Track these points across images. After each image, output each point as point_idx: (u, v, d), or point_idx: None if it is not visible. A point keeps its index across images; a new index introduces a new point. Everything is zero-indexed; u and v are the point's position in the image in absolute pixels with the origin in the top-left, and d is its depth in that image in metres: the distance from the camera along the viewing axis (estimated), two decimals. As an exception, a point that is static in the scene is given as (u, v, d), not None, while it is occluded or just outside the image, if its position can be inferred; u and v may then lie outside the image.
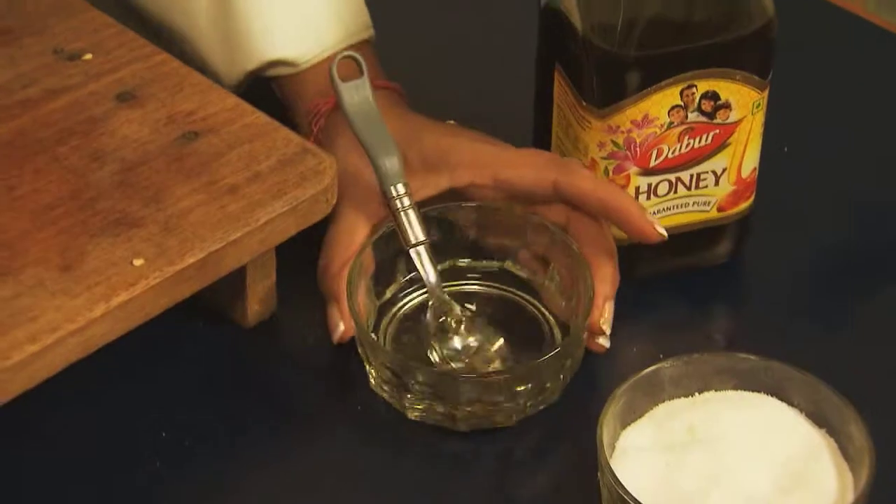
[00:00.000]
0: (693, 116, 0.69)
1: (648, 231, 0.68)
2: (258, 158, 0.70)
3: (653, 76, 0.68)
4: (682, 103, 0.69)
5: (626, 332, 0.71)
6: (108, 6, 0.77)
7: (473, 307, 0.70)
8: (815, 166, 0.80)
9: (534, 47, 0.74)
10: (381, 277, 0.71)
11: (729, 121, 0.70)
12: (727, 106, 0.69)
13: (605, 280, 0.69)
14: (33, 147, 0.69)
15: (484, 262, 0.72)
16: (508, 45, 0.85)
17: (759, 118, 0.71)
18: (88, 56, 0.74)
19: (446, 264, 0.72)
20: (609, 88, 0.68)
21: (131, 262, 0.65)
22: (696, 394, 0.65)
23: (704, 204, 0.72)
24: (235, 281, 0.69)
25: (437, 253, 0.70)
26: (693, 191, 0.72)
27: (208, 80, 0.74)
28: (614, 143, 0.69)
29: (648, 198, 0.71)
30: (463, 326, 0.69)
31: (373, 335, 0.68)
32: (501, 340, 0.69)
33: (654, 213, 0.72)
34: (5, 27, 0.74)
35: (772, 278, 0.75)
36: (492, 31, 0.89)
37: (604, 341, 0.69)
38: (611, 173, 0.70)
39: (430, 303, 0.69)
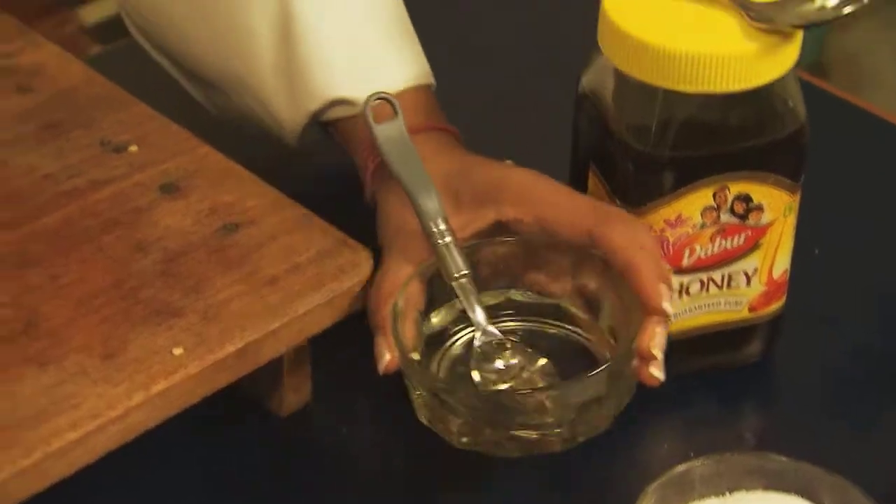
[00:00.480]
0: (726, 217, 0.70)
1: (654, 303, 0.67)
2: (297, 250, 0.71)
3: (686, 177, 0.69)
4: (715, 204, 0.70)
5: (658, 429, 0.72)
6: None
7: (516, 338, 0.71)
8: (845, 266, 0.81)
9: (569, 133, 0.75)
10: (431, 313, 0.71)
11: (761, 223, 0.71)
12: (759, 208, 0.71)
13: (655, 308, 0.67)
14: (79, 237, 0.71)
15: (537, 296, 0.72)
16: (545, 129, 0.86)
17: (791, 220, 0.72)
18: (134, 148, 0.75)
19: (500, 298, 0.72)
20: (643, 188, 0.70)
21: (171, 352, 0.66)
22: (727, 493, 0.65)
23: (736, 304, 0.73)
24: (272, 370, 0.70)
25: (484, 286, 0.70)
26: (725, 290, 0.73)
27: (249, 173, 0.75)
28: (647, 242, 0.71)
29: (680, 297, 0.72)
30: (507, 352, 0.69)
31: (415, 357, 0.68)
32: (544, 361, 0.69)
33: (686, 311, 0.72)
34: (55, 120, 0.76)
35: (802, 378, 0.75)
36: (529, 111, 0.90)
37: (656, 372, 0.67)
38: (644, 271, 0.71)
39: (475, 334, 0.69)
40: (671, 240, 0.70)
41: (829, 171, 0.84)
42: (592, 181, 0.73)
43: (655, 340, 0.67)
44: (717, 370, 0.75)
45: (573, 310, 0.72)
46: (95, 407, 0.63)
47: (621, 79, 0.70)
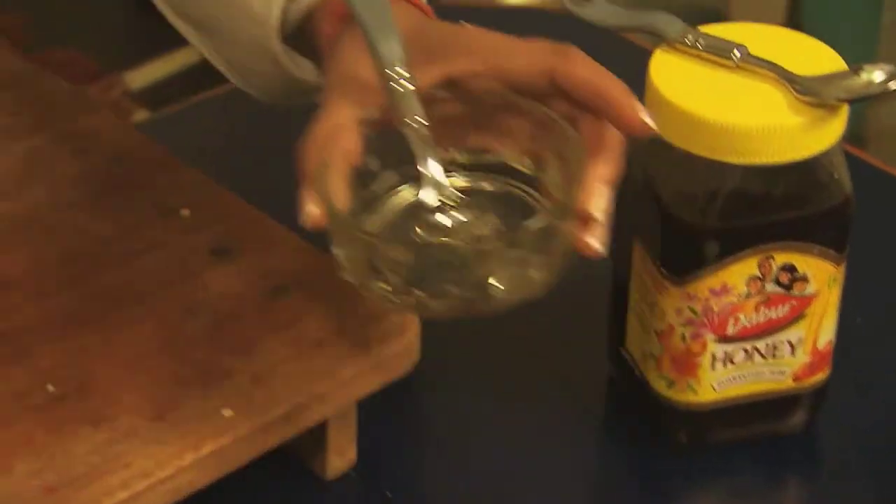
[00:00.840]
0: (770, 287, 0.71)
1: (634, 120, 0.63)
2: (345, 314, 0.72)
3: (732, 247, 0.70)
4: (760, 274, 0.71)
5: (701, 500, 0.72)
6: None
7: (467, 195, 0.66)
8: (888, 336, 0.81)
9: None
10: (369, 173, 0.66)
11: (806, 293, 0.72)
12: (804, 279, 0.71)
13: (601, 162, 0.63)
14: (131, 298, 0.72)
15: (481, 155, 0.68)
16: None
17: (836, 291, 0.73)
18: (186, 212, 0.77)
19: (443, 157, 0.67)
20: (688, 258, 0.70)
21: (220, 413, 0.67)
22: (771, 562, 0.65)
23: (780, 373, 0.73)
24: (317, 433, 0.71)
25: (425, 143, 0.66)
26: (769, 360, 0.73)
27: (298, 238, 0.76)
28: (692, 310, 0.71)
29: (725, 365, 0.72)
30: (454, 207, 0.65)
31: (339, 209, 0.63)
32: (496, 221, 0.65)
33: (729, 380, 0.73)
34: (109, 183, 0.77)
35: (846, 449, 0.75)
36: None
37: (594, 241, 0.62)
38: (688, 339, 0.72)
39: (422, 183, 0.65)
40: (716, 309, 0.71)
41: (870, 240, 0.84)
42: (636, 250, 0.73)
43: (596, 200, 0.62)
44: (760, 440, 0.75)
45: (520, 168, 0.67)
46: (146, 467, 0.64)
47: (667, 148, 0.70)
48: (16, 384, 0.67)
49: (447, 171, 0.66)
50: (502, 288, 0.62)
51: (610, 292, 0.77)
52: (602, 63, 0.65)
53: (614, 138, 0.65)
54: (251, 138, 0.82)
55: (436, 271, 0.62)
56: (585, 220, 0.63)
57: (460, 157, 0.67)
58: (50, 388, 0.67)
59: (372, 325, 0.71)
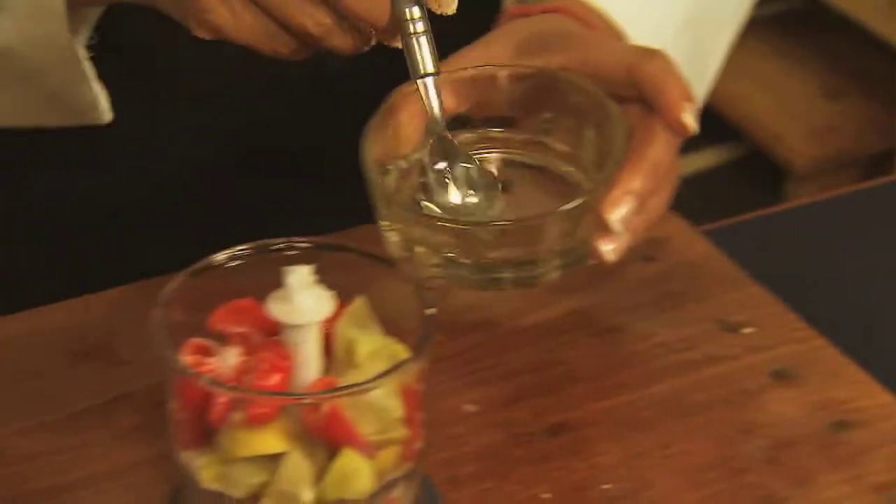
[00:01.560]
0: None
1: (676, 116, 0.66)
2: (909, 460, 0.68)
3: None
4: None
5: None
6: None
7: (478, 164, 0.65)
8: None
9: None
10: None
11: None
12: None
13: (636, 174, 0.65)
14: (687, 408, 0.70)
15: (520, 133, 0.68)
16: None
17: None
18: (748, 330, 0.74)
19: (479, 131, 0.68)
20: None
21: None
22: None
23: None
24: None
25: (468, 121, 0.67)
26: None
27: (864, 373, 0.73)
28: None
29: None
30: (464, 179, 0.64)
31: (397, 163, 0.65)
32: (504, 203, 0.64)
33: None
34: (674, 290, 0.76)
35: None
36: None
37: (606, 247, 0.65)
38: None
39: (430, 143, 0.64)
40: None
41: None
42: None
43: (617, 211, 0.64)
44: None
45: (557, 145, 0.68)
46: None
47: None
48: (575, 476, 0.66)
49: (485, 149, 0.67)
50: (490, 270, 0.63)
51: None
52: None
53: (668, 156, 0.66)
54: (824, 258, 0.79)
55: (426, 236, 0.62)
56: (602, 226, 0.64)
57: (494, 132, 0.68)
58: (606, 486, 0.66)
59: (942, 475, 0.67)
